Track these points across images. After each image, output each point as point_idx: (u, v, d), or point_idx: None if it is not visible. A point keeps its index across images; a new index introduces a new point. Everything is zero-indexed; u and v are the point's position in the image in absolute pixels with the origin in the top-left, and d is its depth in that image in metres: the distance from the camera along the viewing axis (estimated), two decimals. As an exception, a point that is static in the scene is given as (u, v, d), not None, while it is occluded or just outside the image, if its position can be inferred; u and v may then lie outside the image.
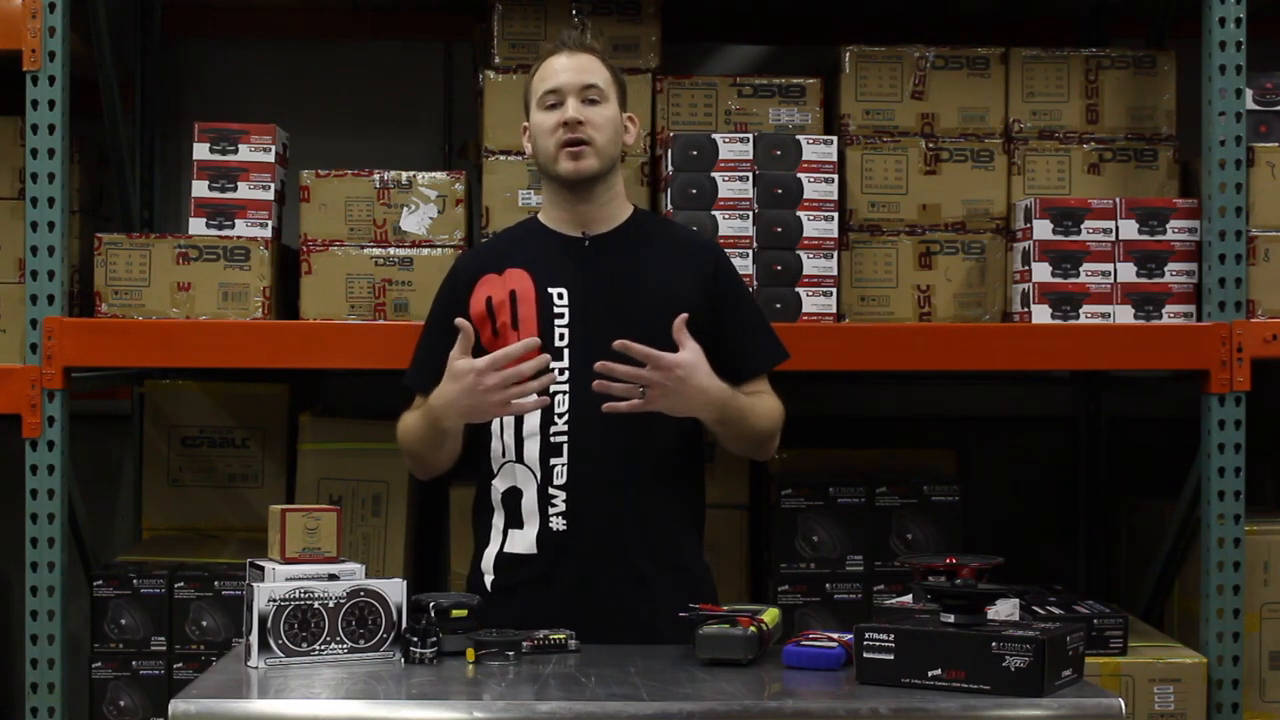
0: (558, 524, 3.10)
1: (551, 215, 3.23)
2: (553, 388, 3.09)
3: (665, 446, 3.13)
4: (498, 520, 3.17)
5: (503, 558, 3.15)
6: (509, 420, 3.12)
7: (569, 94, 3.13)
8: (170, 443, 4.46)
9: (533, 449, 3.12)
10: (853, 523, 4.09)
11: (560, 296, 3.13)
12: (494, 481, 3.17)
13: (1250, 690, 3.83)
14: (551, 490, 3.10)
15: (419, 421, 3.14)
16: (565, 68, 3.15)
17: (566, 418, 3.10)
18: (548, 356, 3.03)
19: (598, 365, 2.95)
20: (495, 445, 3.17)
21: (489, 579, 3.15)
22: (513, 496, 3.14)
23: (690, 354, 2.99)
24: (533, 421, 3.11)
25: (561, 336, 3.12)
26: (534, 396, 2.98)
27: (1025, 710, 2.54)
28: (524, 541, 3.12)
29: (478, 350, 3.07)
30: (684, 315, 3.00)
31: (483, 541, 3.20)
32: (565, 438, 3.10)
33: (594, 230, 3.19)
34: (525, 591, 3.07)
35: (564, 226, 3.20)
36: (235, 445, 4.46)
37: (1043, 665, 2.55)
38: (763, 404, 3.20)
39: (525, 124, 3.23)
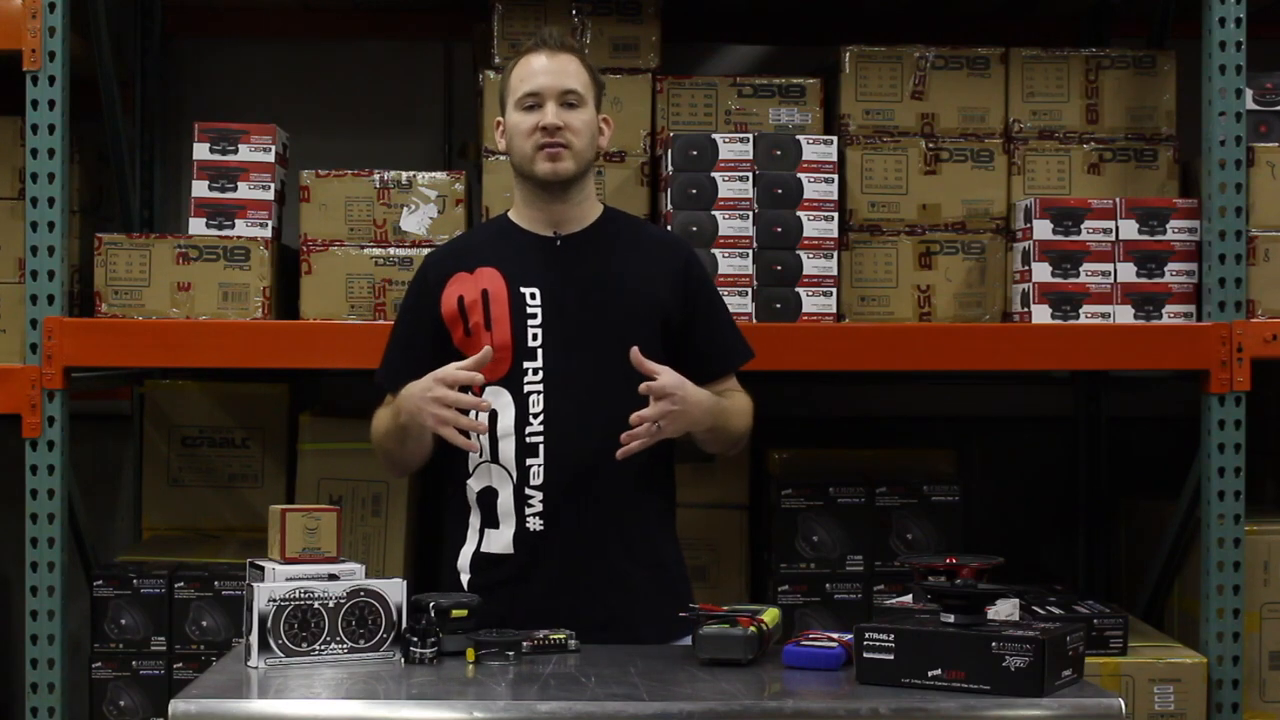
0: (534, 524, 3.10)
1: (523, 214, 3.22)
2: (527, 388, 3.09)
3: None
4: (474, 520, 3.16)
5: (480, 557, 3.14)
6: (484, 419, 3.10)
7: (548, 97, 3.12)
8: (170, 443, 4.46)
9: (508, 449, 3.11)
10: (853, 523, 4.09)
11: (533, 296, 3.13)
12: (469, 481, 3.16)
13: (1250, 690, 3.83)
14: (528, 490, 3.10)
15: (387, 416, 3.16)
16: (545, 69, 3.14)
17: (542, 418, 3.09)
18: (488, 404, 3.03)
19: (620, 454, 2.97)
20: None
21: (465, 578, 3.14)
22: (488, 496, 3.13)
23: (671, 375, 3.01)
24: (507, 422, 3.10)
25: (535, 337, 3.11)
26: (463, 438, 2.99)
27: (1025, 710, 2.54)
28: (501, 541, 3.12)
29: (450, 350, 3.09)
30: (634, 348, 3.00)
31: (458, 541, 3.19)
32: (541, 438, 3.09)
33: (565, 230, 3.19)
34: (503, 591, 3.06)
35: (535, 226, 3.20)
36: (235, 445, 4.46)
37: (1043, 665, 2.55)
38: (738, 403, 3.23)
39: (499, 120, 3.23)
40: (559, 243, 3.19)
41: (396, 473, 3.30)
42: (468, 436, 3.02)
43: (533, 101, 3.13)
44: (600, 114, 3.22)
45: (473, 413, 3.02)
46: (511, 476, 3.11)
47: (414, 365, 3.13)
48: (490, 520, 3.13)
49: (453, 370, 2.99)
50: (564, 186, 3.15)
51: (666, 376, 3.00)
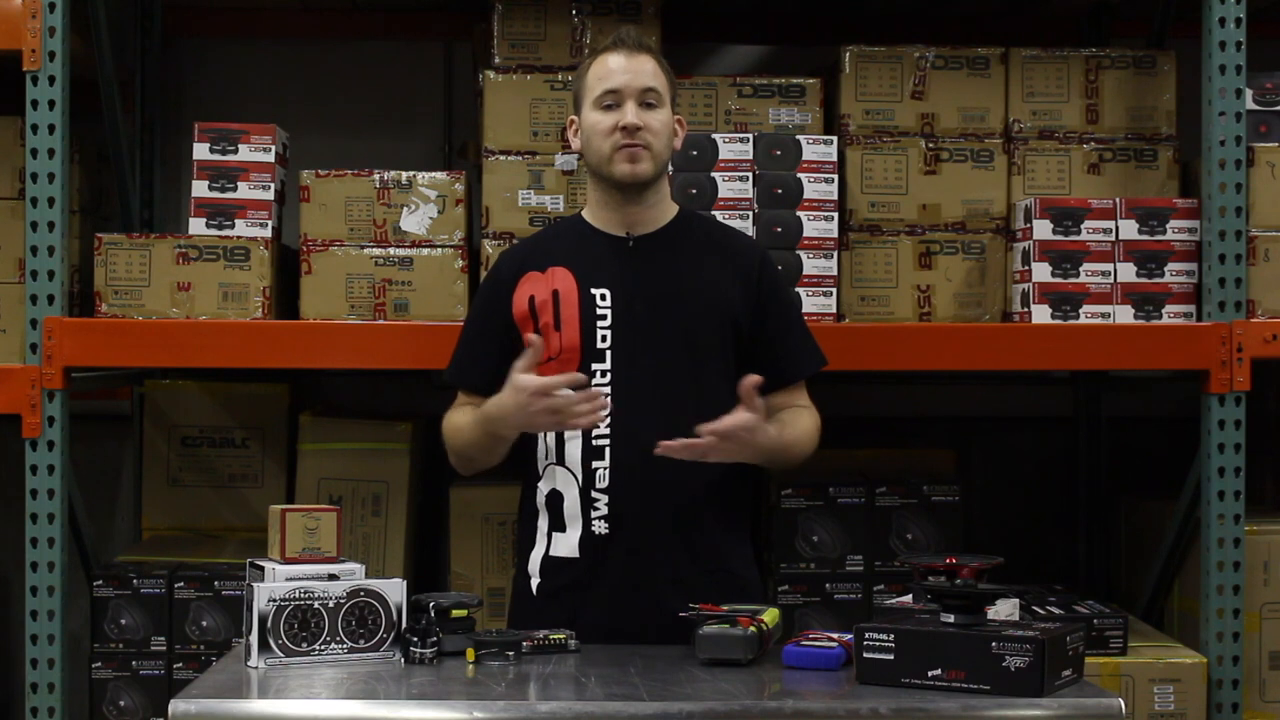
0: (600, 527, 3.09)
1: (597, 215, 3.21)
2: (594, 389, 3.07)
3: None
4: (542, 523, 3.16)
5: (548, 561, 3.14)
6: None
7: (628, 97, 3.11)
8: (170, 443, 4.46)
9: (574, 451, 3.10)
10: (853, 523, 4.09)
11: (603, 297, 3.12)
12: (538, 484, 3.16)
13: (1250, 690, 3.83)
14: (594, 493, 3.09)
15: (472, 426, 3.13)
16: (625, 68, 3.13)
17: (608, 420, 3.07)
18: (599, 394, 2.98)
19: (658, 450, 2.93)
20: (539, 447, 3.15)
21: (534, 582, 3.15)
22: (555, 499, 3.13)
23: (754, 418, 2.95)
24: None
25: (604, 338, 3.11)
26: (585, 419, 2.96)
27: (1025, 710, 2.55)
28: (567, 545, 3.11)
29: (520, 349, 3.07)
30: (755, 379, 2.95)
31: (527, 544, 3.19)
32: (607, 440, 3.08)
33: (639, 231, 3.19)
34: (569, 595, 3.07)
35: (609, 226, 3.19)
36: (235, 445, 4.46)
37: (1043, 665, 2.55)
38: (802, 426, 3.18)
39: (573, 118, 3.22)
40: (632, 243, 3.18)
41: (470, 472, 3.27)
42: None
43: (612, 100, 3.12)
44: (676, 115, 3.21)
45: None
46: (577, 479, 3.10)
47: (483, 363, 3.15)
48: (558, 524, 3.13)
49: (536, 384, 2.92)
50: (640, 188, 3.15)
51: (748, 417, 2.94)
